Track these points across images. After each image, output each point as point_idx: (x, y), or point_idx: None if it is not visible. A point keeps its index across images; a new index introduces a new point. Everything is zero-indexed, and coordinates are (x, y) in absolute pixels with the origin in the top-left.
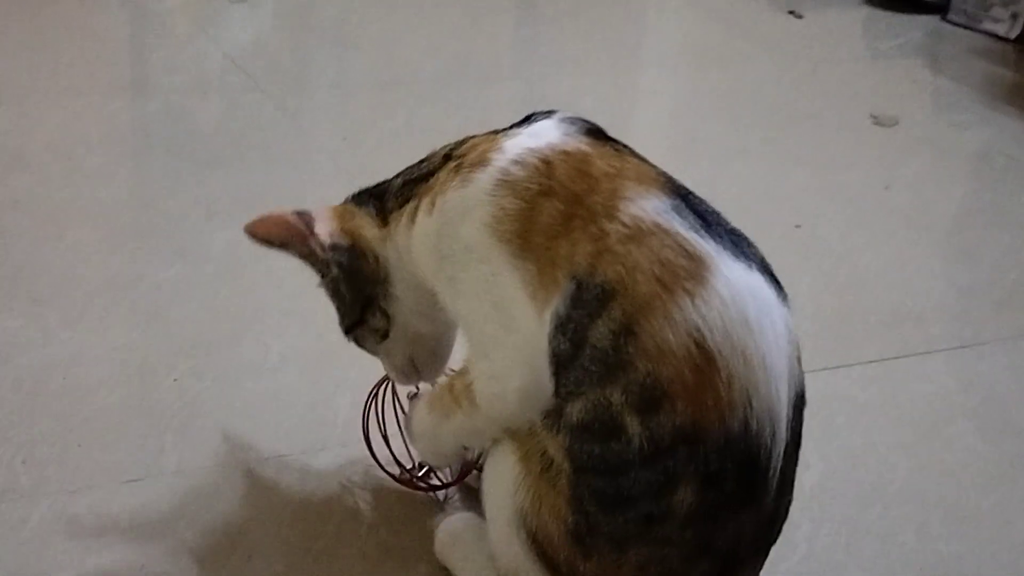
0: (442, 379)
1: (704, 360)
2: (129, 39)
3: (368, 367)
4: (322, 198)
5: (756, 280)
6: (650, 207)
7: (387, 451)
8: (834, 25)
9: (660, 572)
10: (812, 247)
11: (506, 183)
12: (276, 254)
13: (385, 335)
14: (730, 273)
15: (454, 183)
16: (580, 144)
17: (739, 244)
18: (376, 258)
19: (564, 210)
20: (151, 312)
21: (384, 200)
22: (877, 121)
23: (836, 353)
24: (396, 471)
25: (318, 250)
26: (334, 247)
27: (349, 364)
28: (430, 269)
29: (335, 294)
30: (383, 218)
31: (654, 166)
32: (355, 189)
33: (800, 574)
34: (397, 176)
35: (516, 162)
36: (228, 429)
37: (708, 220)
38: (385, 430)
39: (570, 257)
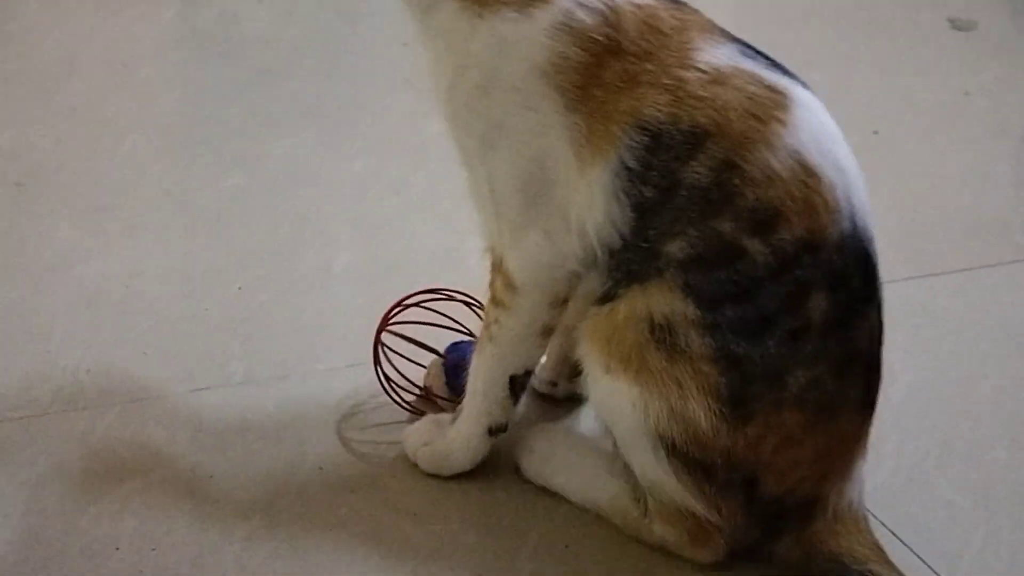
0: None
1: (808, 175)
2: None
3: (426, 279)
4: (384, 107)
5: (817, 100)
6: (723, 53)
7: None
8: None
9: (818, 398)
10: (890, 154)
11: (569, 28)
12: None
13: None
14: (804, 97)
15: (507, 11)
16: None
17: (792, 73)
18: None
19: (632, 68)
20: (212, 221)
21: None
22: (955, 25)
23: (919, 262)
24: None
25: None
26: None
27: (410, 276)
28: (460, 102)
29: None
30: None
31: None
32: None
33: (890, 488)
34: None
35: (583, 5)
36: (293, 339)
37: (767, 57)
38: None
39: (633, 110)
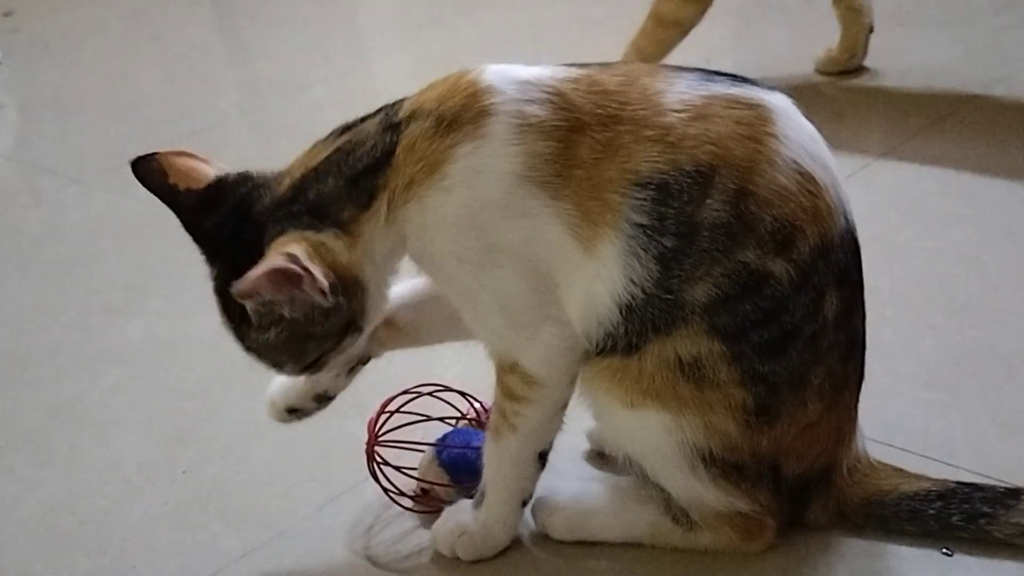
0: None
1: (809, 182)
2: None
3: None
4: None
5: (786, 100)
6: (685, 86)
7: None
8: None
9: (832, 384)
10: None
11: (528, 127)
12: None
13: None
14: (778, 103)
15: (460, 146)
16: (567, 71)
17: (754, 81)
18: (358, 280)
19: (605, 135)
20: (117, 423)
21: (330, 211)
22: None
23: None
24: (408, 502)
25: (317, 295)
26: (332, 288)
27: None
28: (446, 253)
29: (299, 338)
30: (348, 232)
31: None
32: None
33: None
34: (319, 178)
35: (527, 100)
36: (264, 495)
37: (726, 74)
38: (385, 461)
39: (624, 172)
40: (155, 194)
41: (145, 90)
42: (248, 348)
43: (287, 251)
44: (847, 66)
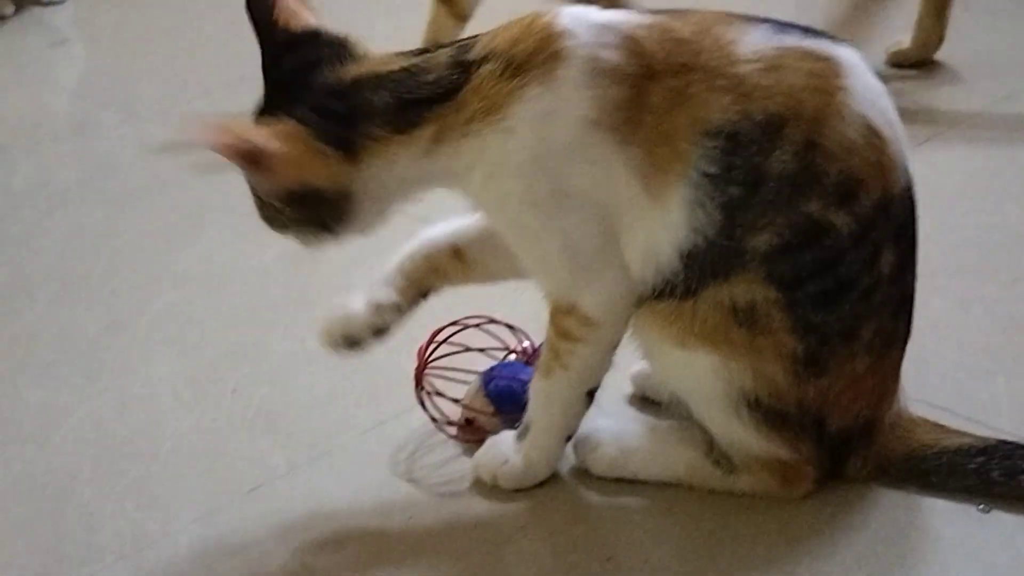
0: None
1: (875, 137)
2: None
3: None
4: None
5: (857, 55)
6: (759, 37)
7: (441, 409)
8: None
9: (881, 339)
10: None
11: (601, 72)
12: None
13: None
14: (849, 57)
15: (528, 88)
16: (643, 17)
17: (827, 34)
18: (344, 193)
19: (676, 83)
20: (169, 343)
21: (360, 123)
22: None
23: None
24: (453, 430)
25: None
26: (287, 195)
27: None
28: (511, 196)
29: (264, 205)
30: (349, 150)
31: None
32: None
33: (913, 369)
34: (374, 88)
35: (602, 45)
36: (312, 417)
37: (798, 26)
38: (435, 389)
39: (697, 121)
40: (254, 20)
41: (206, 33)
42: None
43: (244, 133)
44: (921, 57)
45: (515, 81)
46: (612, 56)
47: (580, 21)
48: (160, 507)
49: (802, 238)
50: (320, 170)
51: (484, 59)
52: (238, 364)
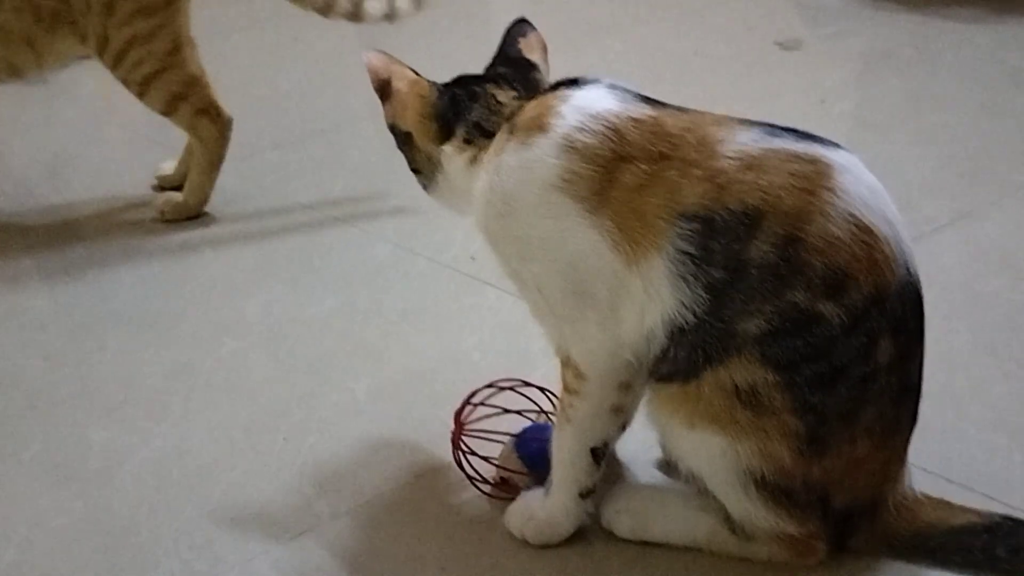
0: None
1: (865, 234)
2: None
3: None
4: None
5: (854, 158)
6: (748, 138)
7: (477, 468)
8: None
9: (882, 425)
10: None
11: (573, 149)
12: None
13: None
14: (843, 160)
15: (511, 146)
16: (643, 109)
17: (823, 139)
18: (428, 157)
19: (650, 168)
20: (228, 389)
21: (457, 118)
22: (783, 47)
23: None
24: (488, 488)
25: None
26: (392, 128)
27: (422, 387)
28: (493, 231)
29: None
30: (442, 131)
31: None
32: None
33: (934, 444)
34: (481, 103)
35: (581, 129)
36: (357, 466)
37: (791, 130)
38: (470, 449)
39: (669, 203)
40: (505, 41)
41: (282, 87)
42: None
43: (390, 67)
44: None
45: (510, 137)
46: (587, 139)
47: (574, 106)
48: (210, 548)
49: (791, 325)
50: (418, 127)
51: (512, 115)
52: (290, 412)
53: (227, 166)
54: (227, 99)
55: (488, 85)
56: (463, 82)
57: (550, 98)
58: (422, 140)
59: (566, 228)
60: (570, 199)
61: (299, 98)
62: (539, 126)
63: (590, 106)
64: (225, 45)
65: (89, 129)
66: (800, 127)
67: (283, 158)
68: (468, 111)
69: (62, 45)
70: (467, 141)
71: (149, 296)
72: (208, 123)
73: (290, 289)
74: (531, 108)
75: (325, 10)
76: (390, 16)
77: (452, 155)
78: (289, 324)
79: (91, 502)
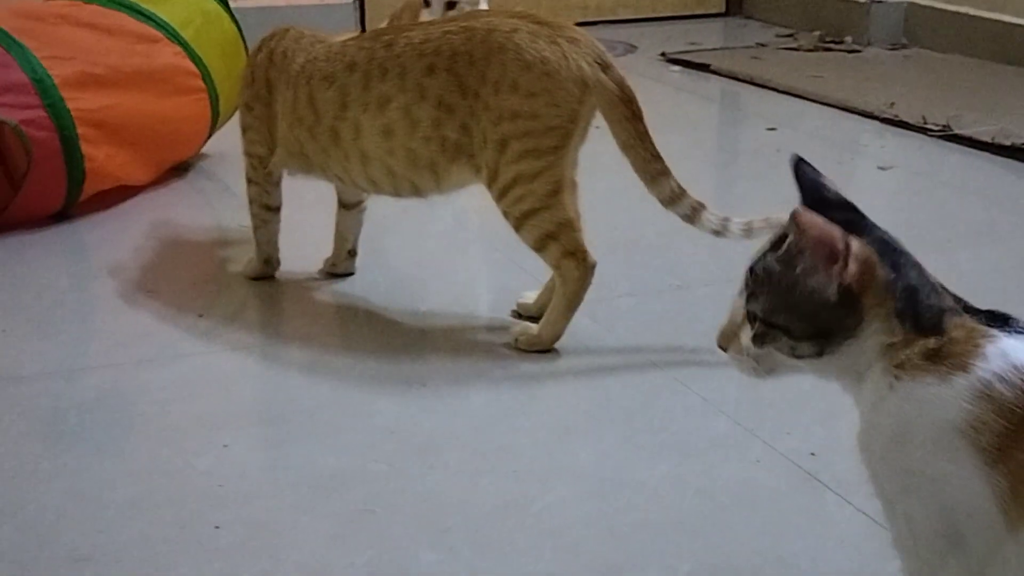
0: None
1: None
2: None
3: None
4: None
5: None
6: None
7: None
8: None
9: None
10: None
11: (988, 398)
12: None
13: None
14: None
15: (928, 376)
16: None
17: None
18: (857, 313)
19: None
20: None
21: (909, 302)
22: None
23: None
24: None
25: (836, 272)
26: (846, 290)
27: None
28: (877, 451)
29: (780, 296)
30: (897, 313)
31: None
32: None
33: None
34: (927, 290)
35: (1002, 379)
36: None
37: None
38: None
39: None
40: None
41: (646, 236)
42: (752, 269)
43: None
44: None
45: (925, 361)
46: (1006, 391)
47: (1001, 352)
48: None
49: None
50: (873, 296)
51: (944, 327)
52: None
53: (583, 306)
54: (595, 239)
55: (927, 275)
56: (896, 254)
57: (978, 333)
58: (872, 307)
59: (959, 475)
60: (972, 447)
61: (661, 249)
62: (961, 364)
63: (1017, 355)
64: (601, 183)
65: (459, 244)
66: None
67: (637, 306)
68: (921, 298)
69: (459, 173)
70: (901, 327)
71: (492, 422)
72: (573, 265)
73: (624, 443)
74: (957, 333)
75: (666, 202)
76: (720, 233)
77: (876, 334)
78: (620, 482)
79: None
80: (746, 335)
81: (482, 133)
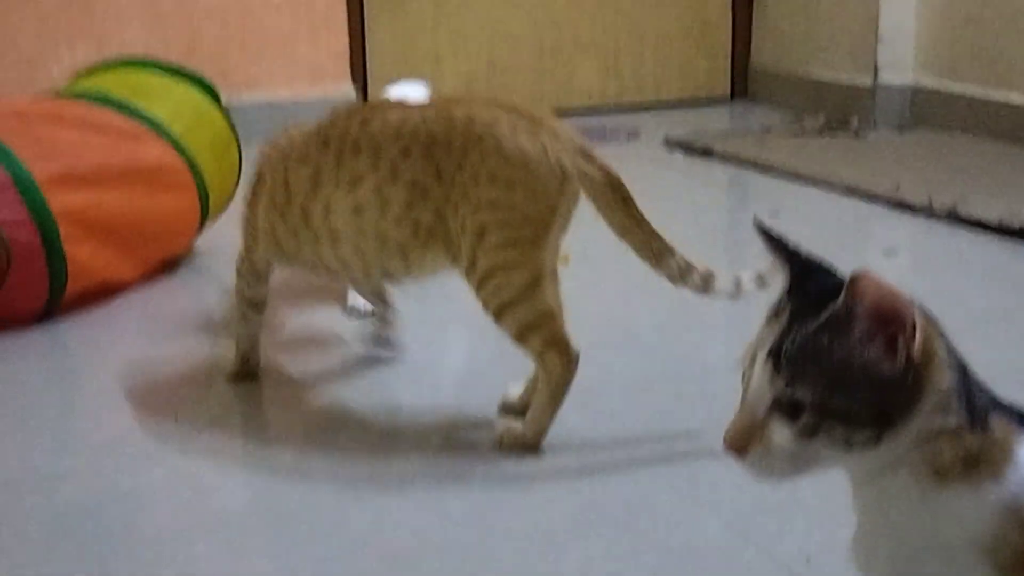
0: None
1: None
2: None
3: None
4: None
5: None
6: None
7: None
8: None
9: None
10: None
11: (1014, 515)
12: None
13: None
14: None
15: (964, 484)
16: None
17: None
18: (920, 389)
19: None
20: None
21: (964, 385)
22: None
23: None
24: None
25: (903, 341)
26: (908, 365)
27: None
28: (886, 554)
29: (830, 371)
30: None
31: None
32: None
33: None
34: (978, 382)
35: None
36: None
37: None
38: None
39: None
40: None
41: (638, 325)
42: (781, 350)
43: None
44: None
45: (967, 468)
46: None
47: None
48: None
49: None
50: (933, 359)
51: (990, 423)
52: None
53: (570, 398)
54: (579, 330)
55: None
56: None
57: (1012, 434)
58: (930, 381)
59: None
60: (989, 567)
61: (654, 340)
62: (996, 471)
63: None
64: (592, 273)
65: (440, 336)
66: None
67: (627, 400)
68: (972, 377)
69: (433, 259)
70: (958, 406)
71: (469, 529)
72: (556, 356)
73: (610, 548)
74: (999, 433)
75: (675, 279)
76: (734, 294)
77: (931, 414)
78: None
79: None
80: (779, 432)
81: (460, 220)
